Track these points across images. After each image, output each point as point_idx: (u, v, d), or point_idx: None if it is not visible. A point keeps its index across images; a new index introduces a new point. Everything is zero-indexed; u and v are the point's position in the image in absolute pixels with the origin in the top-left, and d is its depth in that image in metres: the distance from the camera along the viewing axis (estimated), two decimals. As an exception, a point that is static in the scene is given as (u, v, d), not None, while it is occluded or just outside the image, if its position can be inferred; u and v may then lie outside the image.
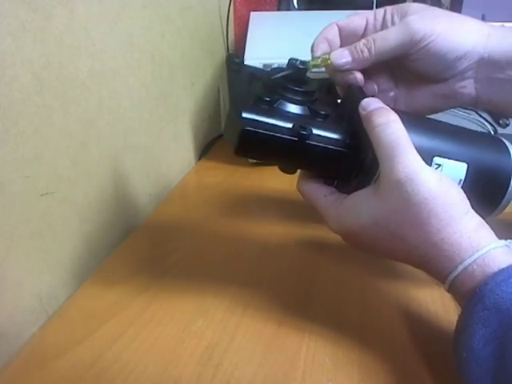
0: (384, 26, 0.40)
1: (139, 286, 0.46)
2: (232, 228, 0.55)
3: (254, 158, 0.36)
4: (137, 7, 0.55)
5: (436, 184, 0.31)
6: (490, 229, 0.32)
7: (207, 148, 0.79)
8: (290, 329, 0.41)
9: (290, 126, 0.33)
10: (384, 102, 0.35)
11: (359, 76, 0.39)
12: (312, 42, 0.41)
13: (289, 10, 1.06)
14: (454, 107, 0.43)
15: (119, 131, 0.53)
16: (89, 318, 0.42)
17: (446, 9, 1.20)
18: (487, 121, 0.77)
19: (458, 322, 0.31)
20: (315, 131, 0.33)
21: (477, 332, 0.28)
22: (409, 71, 0.40)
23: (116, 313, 0.43)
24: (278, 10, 1.09)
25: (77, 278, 0.48)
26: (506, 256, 0.30)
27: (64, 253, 0.46)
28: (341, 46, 0.41)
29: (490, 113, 0.80)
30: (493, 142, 0.39)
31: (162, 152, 0.65)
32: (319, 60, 0.39)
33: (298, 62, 0.36)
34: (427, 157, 0.34)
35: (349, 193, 0.35)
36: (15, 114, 0.37)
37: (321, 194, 0.36)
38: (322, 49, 0.40)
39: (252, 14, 0.86)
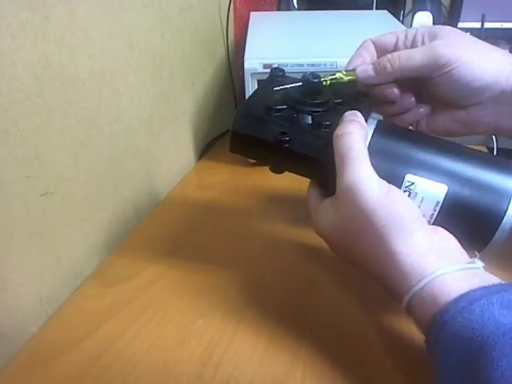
0: (413, 46, 0.40)
1: (139, 286, 0.46)
2: (232, 228, 0.55)
3: (246, 156, 0.40)
4: (137, 7, 0.55)
5: (378, 196, 0.31)
6: (448, 253, 0.31)
7: (207, 148, 0.79)
8: (290, 329, 0.41)
9: (274, 132, 0.36)
10: (412, 119, 0.42)
11: (396, 90, 0.40)
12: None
13: (289, 9, 1.06)
14: (473, 134, 0.42)
15: (119, 131, 0.53)
16: (89, 318, 0.42)
17: (446, 9, 1.20)
18: (487, 121, 0.77)
19: (426, 346, 0.30)
20: (298, 136, 0.35)
21: (444, 360, 0.28)
22: (432, 93, 0.41)
23: (116, 313, 0.43)
24: (278, 10, 1.09)
25: (77, 277, 0.48)
26: (457, 282, 0.29)
27: (64, 253, 0.46)
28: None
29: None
30: (498, 166, 0.34)
31: (162, 152, 0.65)
32: (343, 73, 0.41)
33: (309, 76, 0.38)
34: (399, 172, 0.34)
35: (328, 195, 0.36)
36: (15, 113, 0.37)
37: (313, 195, 0.38)
38: (355, 64, 0.41)
39: (252, 14, 0.86)
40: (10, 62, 0.36)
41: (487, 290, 0.28)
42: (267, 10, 1.05)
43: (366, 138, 0.34)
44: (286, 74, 0.42)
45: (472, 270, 0.30)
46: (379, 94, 0.41)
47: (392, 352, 0.38)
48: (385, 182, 0.32)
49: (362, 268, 0.35)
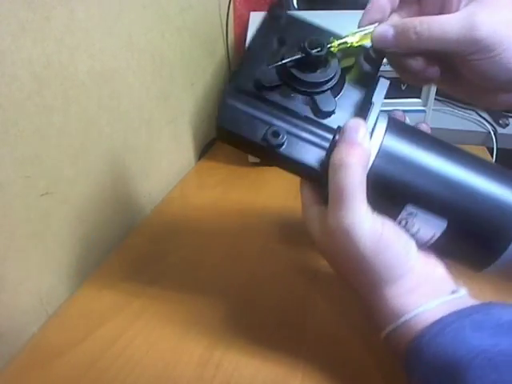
0: (445, 4, 0.33)
1: (139, 286, 0.46)
2: (232, 228, 0.55)
3: (234, 146, 0.34)
4: (137, 7, 0.54)
5: (370, 244, 0.30)
6: (432, 287, 0.31)
7: (207, 148, 0.79)
8: (290, 329, 0.41)
9: (264, 129, 0.31)
10: (427, 76, 0.34)
11: (421, 62, 0.33)
12: None
13: (289, 10, 1.06)
14: None
15: (119, 131, 0.53)
16: (88, 318, 0.42)
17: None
18: (487, 121, 0.78)
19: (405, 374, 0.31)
20: (294, 137, 0.31)
21: None
22: (467, 70, 0.33)
23: (116, 313, 0.43)
24: (278, 9, 1.09)
25: (76, 277, 0.48)
26: (434, 314, 0.29)
27: (64, 253, 0.46)
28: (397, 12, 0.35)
29: (490, 112, 0.80)
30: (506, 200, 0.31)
31: (162, 152, 0.65)
32: (355, 34, 0.34)
33: (310, 43, 0.31)
34: (400, 201, 0.31)
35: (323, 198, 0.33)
36: (15, 113, 0.37)
37: (307, 193, 0.35)
38: (370, 18, 0.34)
39: (252, 13, 0.86)
40: (10, 62, 0.36)
41: (459, 314, 0.29)
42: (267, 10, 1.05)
43: (368, 164, 0.30)
44: (290, 15, 0.36)
45: (454, 299, 0.31)
46: (398, 61, 0.34)
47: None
48: (379, 221, 0.30)
49: (347, 283, 0.34)
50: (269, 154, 0.31)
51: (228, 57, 0.85)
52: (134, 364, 0.38)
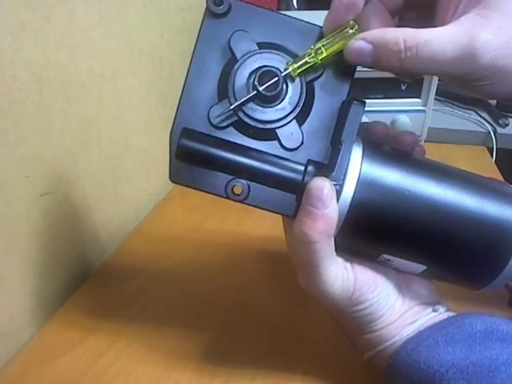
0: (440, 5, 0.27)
1: (139, 286, 0.46)
2: (232, 228, 0.55)
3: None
4: (137, 7, 0.54)
5: (341, 304, 0.30)
6: (410, 313, 0.32)
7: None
8: (290, 329, 0.41)
9: (225, 181, 0.27)
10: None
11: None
12: None
13: (289, 10, 1.06)
14: None
15: (119, 131, 0.53)
16: (88, 318, 0.42)
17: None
18: (487, 121, 0.78)
19: None
20: (259, 183, 0.27)
21: None
22: (457, 82, 0.27)
23: (116, 313, 0.43)
24: (278, 10, 1.09)
25: (76, 277, 0.48)
26: (415, 331, 0.30)
27: (63, 253, 0.46)
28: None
29: (489, 112, 0.80)
30: (497, 228, 0.28)
31: (162, 152, 0.65)
32: (316, 49, 0.27)
33: (259, 81, 0.26)
34: (375, 251, 0.30)
35: None
36: (15, 113, 0.37)
37: (288, 222, 0.33)
38: (336, 20, 0.27)
39: (252, 13, 0.86)
40: (10, 62, 0.36)
41: (434, 329, 0.30)
42: (267, 10, 1.05)
43: (334, 230, 0.27)
44: (233, 3, 0.27)
45: (432, 318, 0.31)
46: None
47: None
48: (350, 276, 0.30)
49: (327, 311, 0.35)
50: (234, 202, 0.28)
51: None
52: (134, 364, 0.38)
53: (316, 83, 0.28)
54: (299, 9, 1.06)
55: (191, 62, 0.28)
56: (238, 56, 0.27)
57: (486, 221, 0.28)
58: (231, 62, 0.27)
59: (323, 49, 0.27)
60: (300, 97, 0.27)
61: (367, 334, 0.32)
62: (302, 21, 0.28)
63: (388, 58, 0.25)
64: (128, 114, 0.55)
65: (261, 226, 0.55)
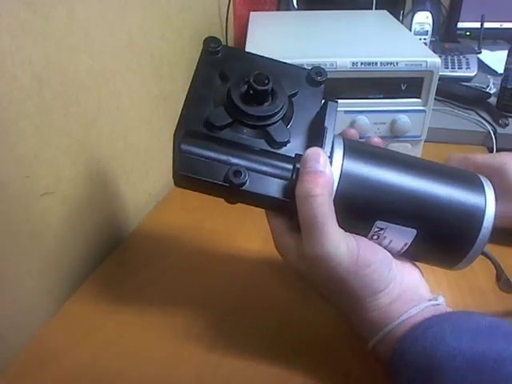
0: None
1: (139, 287, 0.46)
2: (232, 228, 0.55)
3: (195, 191, 0.33)
4: (137, 7, 0.54)
5: (347, 266, 0.30)
6: (412, 295, 0.32)
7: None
8: (290, 329, 0.41)
9: (225, 170, 0.30)
10: None
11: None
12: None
13: (288, 9, 1.06)
14: None
15: (119, 131, 0.53)
16: (88, 319, 0.42)
17: (445, 9, 1.20)
18: (487, 121, 0.78)
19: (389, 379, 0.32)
20: (255, 172, 0.31)
21: None
22: None
23: (116, 313, 0.43)
24: (278, 10, 1.09)
25: (76, 277, 0.48)
26: (420, 317, 0.31)
27: (63, 253, 0.46)
28: None
29: (489, 112, 0.80)
30: (467, 198, 0.33)
31: (162, 152, 0.65)
32: None
33: (255, 77, 0.31)
34: (369, 219, 0.32)
35: (292, 225, 0.33)
36: (15, 113, 0.37)
37: (276, 222, 0.35)
38: None
39: (252, 14, 0.86)
40: (9, 62, 0.36)
41: (440, 318, 0.30)
42: (267, 10, 1.05)
43: (333, 190, 0.31)
44: (226, 47, 0.35)
45: (435, 305, 0.32)
46: None
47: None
48: (353, 241, 0.31)
49: (328, 301, 0.35)
50: (232, 193, 0.31)
51: (225, 42, 0.85)
52: (133, 364, 0.38)
53: (294, 98, 0.34)
54: (299, 9, 1.06)
55: (192, 82, 0.34)
56: (231, 77, 0.33)
57: (454, 196, 0.33)
58: (224, 83, 0.33)
59: None
60: (284, 102, 0.33)
61: (374, 311, 0.32)
62: (271, 59, 0.36)
63: None
64: (128, 113, 0.55)
65: (260, 226, 0.55)
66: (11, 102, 0.37)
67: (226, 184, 0.30)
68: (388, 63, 0.58)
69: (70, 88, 0.43)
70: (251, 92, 0.31)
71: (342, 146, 0.32)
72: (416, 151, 0.66)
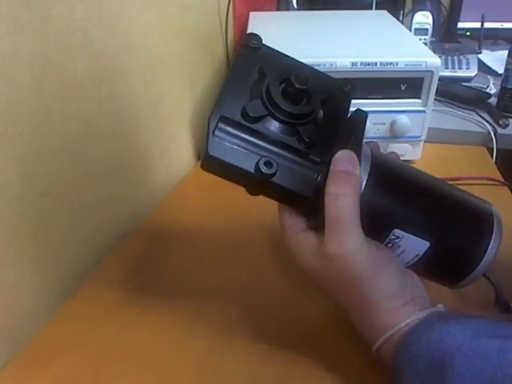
0: None
1: (139, 287, 0.46)
2: (232, 228, 0.55)
3: (219, 176, 0.34)
4: (136, 7, 0.54)
5: (368, 268, 0.31)
6: (420, 302, 0.33)
7: (207, 148, 0.79)
8: (290, 329, 0.41)
9: (256, 159, 0.31)
10: None
11: None
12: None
13: (288, 9, 1.06)
14: None
15: (118, 131, 0.53)
16: (88, 318, 0.42)
17: (445, 9, 1.20)
18: (487, 121, 0.77)
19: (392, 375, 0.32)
20: (283, 166, 0.31)
21: (410, 381, 0.30)
22: None
23: (115, 313, 0.43)
24: (278, 9, 1.09)
25: (76, 278, 0.48)
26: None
27: (63, 253, 0.46)
28: None
29: (489, 113, 0.80)
30: (477, 222, 0.35)
31: (162, 152, 0.65)
32: None
33: (294, 79, 0.32)
34: (388, 226, 0.33)
35: (308, 225, 0.34)
36: (14, 113, 0.37)
37: (288, 211, 0.35)
38: None
39: (251, 14, 0.86)
40: (9, 62, 0.36)
41: (444, 315, 0.32)
42: (267, 10, 1.05)
43: (360, 190, 0.32)
44: (267, 46, 0.36)
45: (438, 310, 0.33)
46: None
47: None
48: (373, 244, 0.32)
49: (336, 302, 0.35)
50: (260, 184, 0.32)
51: (228, 57, 0.85)
52: (133, 364, 0.38)
53: (325, 104, 0.35)
54: (299, 9, 1.06)
55: (230, 72, 0.34)
56: (269, 73, 0.33)
57: (467, 209, 0.35)
58: (262, 78, 0.34)
59: None
60: (317, 105, 0.33)
61: (385, 313, 0.32)
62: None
63: None
64: (127, 114, 0.55)
65: (260, 226, 0.55)
66: (10, 102, 0.36)
67: (256, 173, 0.31)
68: (388, 63, 0.58)
69: (69, 88, 0.43)
70: (290, 90, 0.32)
71: (369, 153, 0.34)
72: (416, 151, 0.66)
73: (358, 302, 0.33)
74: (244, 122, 0.32)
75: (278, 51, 0.37)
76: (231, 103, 0.32)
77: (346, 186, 0.31)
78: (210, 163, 0.32)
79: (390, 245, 0.34)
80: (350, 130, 0.34)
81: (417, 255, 0.34)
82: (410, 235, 0.33)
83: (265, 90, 0.32)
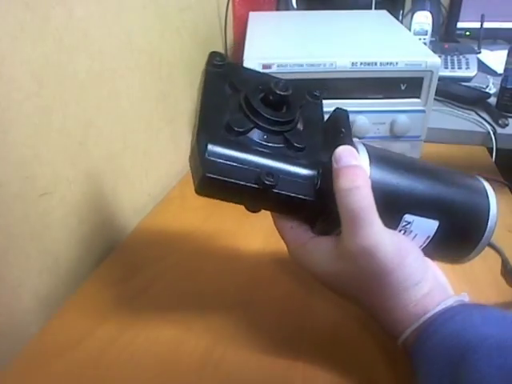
0: None
1: (138, 287, 0.46)
2: (231, 229, 0.55)
3: (216, 199, 0.32)
4: (136, 7, 0.54)
5: (393, 257, 0.31)
6: (442, 289, 0.33)
7: (206, 148, 0.78)
8: (289, 329, 0.41)
9: (255, 172, 0.30)
10: None
11: None
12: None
13: (288, 9, 1.06)
14: None
15: (118, 131, 0.53)
16: (88, 318, 0.42)
17: (445, 9, 1.20)
18: (486, 121, 0.77)
19: (412, 366, 0.31)
20: (282, 174, 0.31)
21: (429, 371, 0.29)
22: None
23: (115, 313, 0.43)
24: (277, 10, 1.09)
25: (76, 278, 0.48)
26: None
27: (63, 253, 0.46)
28: None
29: (489, 113, 0.80)
30: (474, 191, 0.37)
31: (161, 152, 0.65)
32: None
33: (274, 87, 0.32)
34: (398, 213, 0.33)
35: (314, 232, 0.34)
36: (14, 114, 0.37)
37: (288, 224, 0.35)
38: None
39: (251, 14, 0.86)
40: (8, 62, 0.36)
41: (468, 306, 0.31)
42: (266, 10, 1.05)
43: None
44: (230, 62, 0.36)
45: (462, 299, 0.33)
46: None
47: (389, 356, 0.38)
48: (392, 232, 0.32)
49: (355, 304, 0.35)
50: (261, 197, 0.31)
51: (227, 57, 0.85)
52: (133, 364, 0.38)
53: (301, 109, 0.35)
54: (298, 9, 1.06)
55: (203, 92, 0.33)
56: (241, 87, 0.33)
57: (463, 180, 0.37)
58: (235, 93, 0.34)
59: None
60: (298, 111, 0.34)
61: (411, 304, 0.32)
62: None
63: None
64: (127, 114, 0.55)
65: (260, 227, 0.55)
66: (10, 102, 0.36)
67: (258, 186, 0.30)
68: (387, 63, 0.58)
69: (68, 88, 0.43)
70: (271, 98, 0.32)
71: (363, 147, 0.34)
72: (416, 151, 0.66)
73: (383, 297, 0.32)
74: (232, 138, 0.31)
75: (240, 65, 0.37)
76: (213, 122, 0.31)
77: (356, 178, 0.30)
78: (207, 185, 0.31)
79: (402, 232, 0.34)
80: (336, 128, 0.34)
81: (428, 237, 0.35)
82: (420, 217, 0.34)
83: (244, 103, 0.32)
